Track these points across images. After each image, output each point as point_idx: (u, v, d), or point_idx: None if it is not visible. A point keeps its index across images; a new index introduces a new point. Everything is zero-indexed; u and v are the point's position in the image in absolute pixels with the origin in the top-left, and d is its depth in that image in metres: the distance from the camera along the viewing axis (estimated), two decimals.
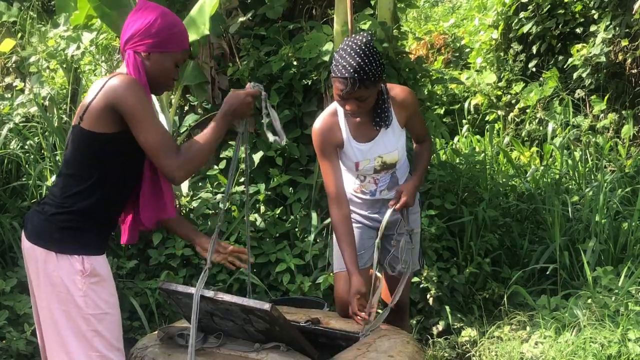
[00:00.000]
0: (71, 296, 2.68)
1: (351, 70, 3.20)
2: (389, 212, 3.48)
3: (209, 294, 2.82)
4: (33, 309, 2.91)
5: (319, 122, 3.53)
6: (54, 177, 4.91)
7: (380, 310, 3.56)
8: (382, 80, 3.35)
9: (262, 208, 5.25)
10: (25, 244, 2.78)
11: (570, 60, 8.22)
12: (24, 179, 4.96)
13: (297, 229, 5.22)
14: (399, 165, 3.59)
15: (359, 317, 3.31)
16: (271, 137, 2.96)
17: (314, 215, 5.13)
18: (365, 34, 3.32)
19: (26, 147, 5.14)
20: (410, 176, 3.67)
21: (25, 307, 4.07)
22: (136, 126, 2.65)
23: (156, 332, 3.27)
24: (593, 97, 8.10)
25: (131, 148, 2.72)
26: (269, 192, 5.24)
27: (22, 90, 6.10)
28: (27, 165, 5.04)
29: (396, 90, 3.52)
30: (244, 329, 2.97)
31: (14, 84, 6.44)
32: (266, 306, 2.73)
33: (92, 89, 2.75)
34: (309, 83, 5.23)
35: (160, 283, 3.11)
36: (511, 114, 8.75)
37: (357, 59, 3.20)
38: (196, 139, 2.77)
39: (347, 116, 3.45)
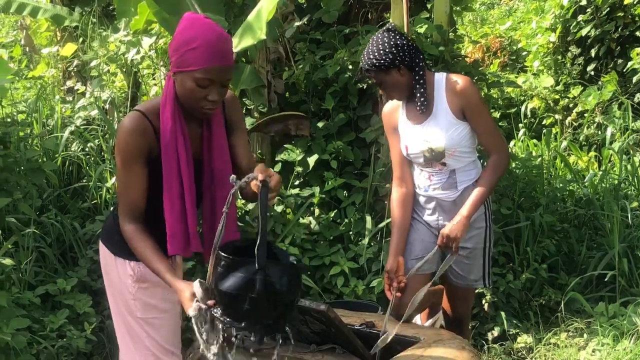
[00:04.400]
0: (124, 297, 2.79)
1: (366, 59, 3.42)
2: (433, 251, 3.46)
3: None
4: None
5: (387, 104, 3.68)
6: (113, 179, 5.00)
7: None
8: (403, 68, 3.39)
9: (317, 211, 5.27)
10: (100, 246, 2.91)
11: (629, 63, 8.06)
12: (84, 181, 5.06)
13: (351, 232, 5.23)
14: (451, 160, 3.48)
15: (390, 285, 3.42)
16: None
17: (368, 218, 5.14)
18: (386, 26, 3.49)
19: (87, 149, 5.24)
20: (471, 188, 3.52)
21: (85, 306, 4.15)
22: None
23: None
24: None
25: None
26: (324, 195, 5.26)
27: (83, 94, 6.23)
28: (87, 167, 5.14)
29: (454, 77, 3.49)
30: (299, 330, 2.99)
31: (76, 88, 6.58)
32: (322, 307, 2.74)
33: None
34: (364, 87, 5.25)
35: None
36: (569, 118, 8.63)
37: (368, 49, 3.42)
38: (146, 244, 2.58)
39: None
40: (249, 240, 2.41)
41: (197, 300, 2.33)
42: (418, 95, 3.42)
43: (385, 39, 3.39)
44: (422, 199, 3.63)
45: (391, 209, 3.63)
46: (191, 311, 2.33)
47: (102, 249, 2.87)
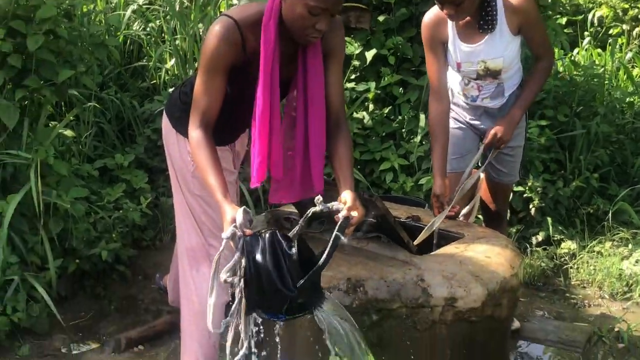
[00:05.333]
0: (183, 173, 2.89)
1: None
2: (480, 150, 3.50)
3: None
4: None
5: (428, 15, 3.49)
6: (172, 61, 5.06)
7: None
8: None
9: (371, 106, 5.27)
10: (163, 117, 2.98)
11: None
12: (144, 61, 5.13)
13: (404, 130, 5.24)
14: (505, 74, 3.47)
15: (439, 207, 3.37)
16: None
17: (422, 116, 5.13)
18: None
19: (148, 29, 5.29)
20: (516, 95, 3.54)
21: (141, 181, 4.28)
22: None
23: (263, 214, 3.41)
24: None
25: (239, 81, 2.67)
26: (379, 91, 5.26)
27: None
28: (148, 47, 5.20)
29: None
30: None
31: None
32: (371, 196, 2.80)
33: None
34: None
35: None
36: (637, 29, 8.35)
37: None
38: (207, 153, 2.52)
39: None
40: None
41: (234, 226, 2.28)
42: (486, 12, 3.31)
43: None
44: (466, 106, 3.62)
45: (430, 127, 3.52)
46: (224, 234, 2.28)
47: (165, 121, 2.95)
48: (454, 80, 3.60)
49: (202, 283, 2.89)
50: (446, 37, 3.46)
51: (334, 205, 2.35)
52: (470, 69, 3.46)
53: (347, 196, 2.43)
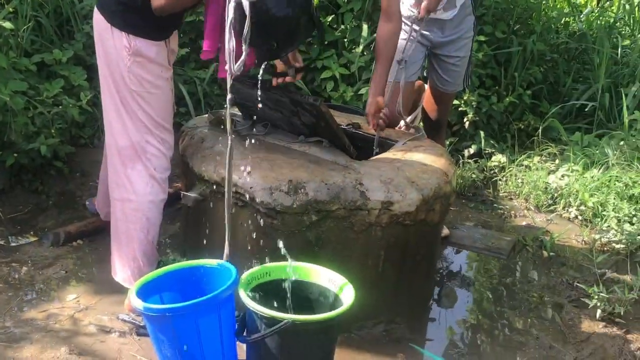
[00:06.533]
0: (119, 68, 2.84)
1: None
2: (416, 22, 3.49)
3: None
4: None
5: None
6: None
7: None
8: None
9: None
10: (95, 11, 2.90)
11: None
12: None
13: (346, 39, 5.26)
14: None
15: (374, 123, 3.38)
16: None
17: (364, 27, 5.15)
18: None
19: None
20: None
21: (80, 78, 4.21)
22: None
23: (206, 115, 3.44)
24: None
25: None
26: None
27: None
28: None
29: None
30: (291, 121, 3.12)
31: None
32: (315, 100, 2.86)
33: None
34: None
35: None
36: None
37: None
38: None
39: None
40: None
41: None
42: None
43: None
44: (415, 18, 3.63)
45: (377, 46, 3.46)
46: None
47: (98, 17, 2.88)
48: None
49: (138, 179, 2.93)
50: None
51: None
52: None
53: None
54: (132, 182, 2.94)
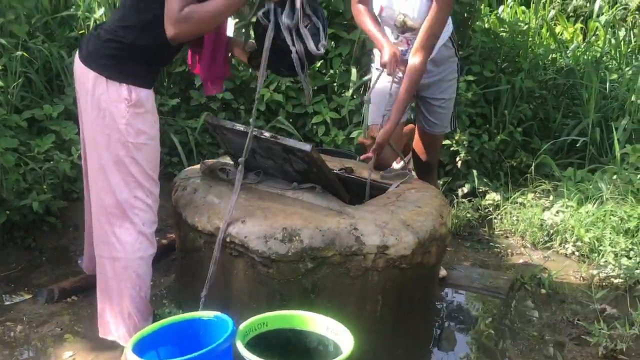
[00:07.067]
0: (115, 122, 2.79)
1: None
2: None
3: (254, 131, 2.93)
4: (80, 134, 3.07)
5: None
6: (101, 10, 4.98)
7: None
8: None
9: None
10: (78, 66, 2.86)
11: None
12: (72, 10, 5.03)
13: (335, 84, 5.30)
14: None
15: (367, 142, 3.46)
16: (310, 46, 2.72)
17: (353, 71, 5.19)
18: None
19: None
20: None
21: (71, 133, 4.21)
22: None
23: (198, 165, 3.44)
24: None
25: None
26: None
27: None
28: None
29: None
30: (283, 169, 3.11)
31: None
32: (307, 147, 2.86)
33: None
34: None
35: (208, 117, 3.22)
36: None
37: None
38: (206, 4, 2.65)
39: None
40: None
41: None
42: None
43: None
44: (402, 62, 3.65)
45: (359, 20, 3.60)
46: None
47: (85, 72, 2.82)
48: (388, 33, 3.65)
49: (127, 237, 2.89)
50: None
51: None
52: (390, 17, 3.51)
53: None
54: (120, 240, 2.90)
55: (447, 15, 3.47)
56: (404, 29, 3.51)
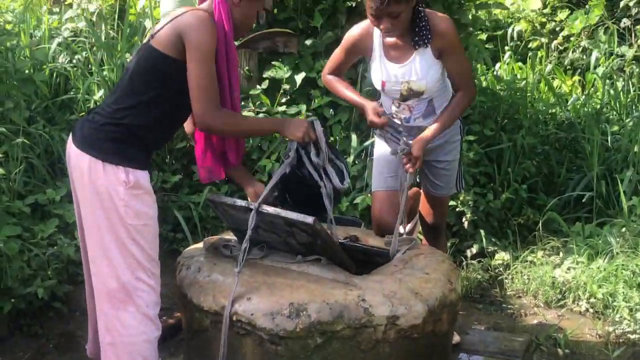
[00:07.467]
0: (114, 205, 2.77)
1: None
2: (408, 176, 3.48)
3: (254, 205, 2.92)
4: (76, 216, 3.05)
5: (356, 28, 3.62)
6: (101, 92, 5.02)
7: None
8: None
9: None
10: (73, 151, 2.86)
11: None
12: (72, 93, 5.08)
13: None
14: (428, 95, 3.53)
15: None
16: (336, 182, 3.05)
17: (353, 137, 5.20)
18: None
19: (74, 61, 5.24)
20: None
21: (74, 216, 4.20)
22: (192, 58, 2.77)
23: (201, 243, 3.41)
24: (639, 26, 7.96)
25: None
26: (310, 113, 5.30)
27: (70, 5, 6.16)
28: (75, 80, 5.14)
29: (435, 18, 3.42)
30: (287, 242, 3.08)
31: None
32: (309, 220, 2.83)
33: (172, 14, 2.87)
34: (353, 5, 5.23)
35: (209, 195, 3.22)
36: (555, 42, 8.64)
37: None
38: (244, 115, 2.84)
39: (384, 35, 3.47)
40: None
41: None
42: (419, 27, 3.35)
43: None
44: (400, 128, 3.64)
45: (333, 88, 3.75)
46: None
47: (80, 156, 2.80)
48: (386, 103, 3.65)
49: (131, 320, 2.84)
50: (367, 53, 3.57)
51: None
52: (394, 89, 3.52)
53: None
54: (124, 324, 2.84)
55: (463, 49, 3.62)
56: (409, 95, 3.51)
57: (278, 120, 3.02)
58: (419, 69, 3.44)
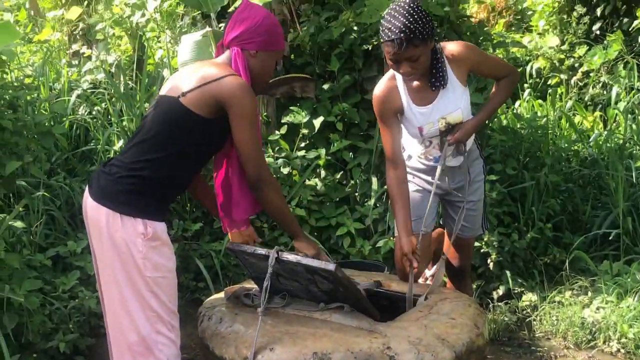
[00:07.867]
0: (132, 257, 2.76)
1: (397, 31, 3.16)
2: (446, 147, 3.49)
3: (274, 254, 2.89)
4: (94, 267, 3.01)
5: (379, 88, 3.53)
6: (120, 142, 5.04)
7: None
8: (432, 39, 3.28)
9: (323, 172, 5.30)
10: (89, 203, 2.84)
11: (635, 22, 8.03)
12: (92, 144, 5.10)
13: (357, 194, 5.27)
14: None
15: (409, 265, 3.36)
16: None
17: (374, 180, 5.17)
18: None
19: (94, 112, 5.28)
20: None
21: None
22: (239, 124, 2.80)
23: (222, 292, 3.37)
24: None
25: (214, 137, 2.89)
26: (329, 157, 5.29)
27: (89, 57, 6.25)
28: (95, 131, 5.17)
29: (450, 47, 3.43)
30: (309, 289, 3.03)
31: (82, 51, 6.59)
32: (331, 267, 2.79)
33: (200, 71, 2.86)
34: (370, 48, 5.24)
35: (229, 244, 3.18)
36: (574, 78, 8.61)
37: (402, 19, 3.16)
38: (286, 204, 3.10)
39: (406, 81, 3.44)
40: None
41: None
42: (436, 69, 3.35)
43: (414, 6, 3.19)
44: (426, 169, 3.63)
45: (390, 192, 3.55)
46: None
47: (97, 209, 2.79)
48: (412, 145, 3.62)
49: None
50: (400, 107, 3.49)
51: None
52: (433, 129, 3.48)
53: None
54: None
55: (485, 53, 3.70)
56: (448, 129, 3.47)
57: (300, 229, 3.14)
58: (450, 101, 3.43)
